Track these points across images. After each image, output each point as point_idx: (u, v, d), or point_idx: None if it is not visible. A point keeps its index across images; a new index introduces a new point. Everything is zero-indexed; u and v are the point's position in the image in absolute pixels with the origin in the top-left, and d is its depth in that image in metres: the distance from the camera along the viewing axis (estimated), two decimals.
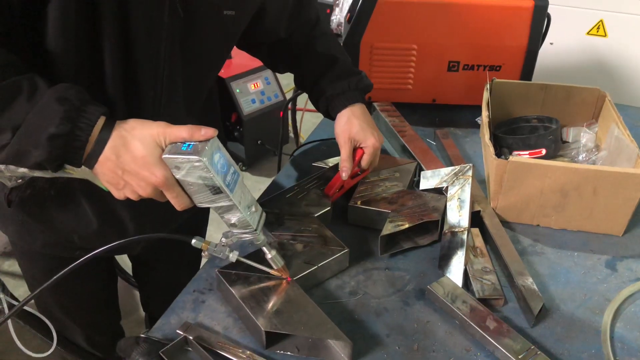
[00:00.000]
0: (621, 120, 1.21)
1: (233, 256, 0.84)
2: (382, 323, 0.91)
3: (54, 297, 1.21)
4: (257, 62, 2.94)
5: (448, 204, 1.09)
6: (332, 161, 1.26)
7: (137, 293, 1.58)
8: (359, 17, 1.38)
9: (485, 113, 1.25)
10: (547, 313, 0.93)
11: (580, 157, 1.27)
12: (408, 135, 1.35)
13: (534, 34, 1.39)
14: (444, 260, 1.01)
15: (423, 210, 1.08)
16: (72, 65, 0.79)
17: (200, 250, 0.83)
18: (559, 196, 1.09)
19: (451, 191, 1.11)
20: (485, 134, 1.18)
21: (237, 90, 2.82)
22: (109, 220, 0.98)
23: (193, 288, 0.97)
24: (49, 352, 0.95)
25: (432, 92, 1.51)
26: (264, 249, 0.87)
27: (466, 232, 1.03)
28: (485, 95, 1.32)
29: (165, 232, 0.84)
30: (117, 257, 1.77)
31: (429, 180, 1.17)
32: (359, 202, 1.11)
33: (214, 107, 1.14)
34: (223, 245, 0.84)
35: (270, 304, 0.87)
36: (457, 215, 1.06)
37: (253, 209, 0.83)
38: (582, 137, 1.30)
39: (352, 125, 1.08)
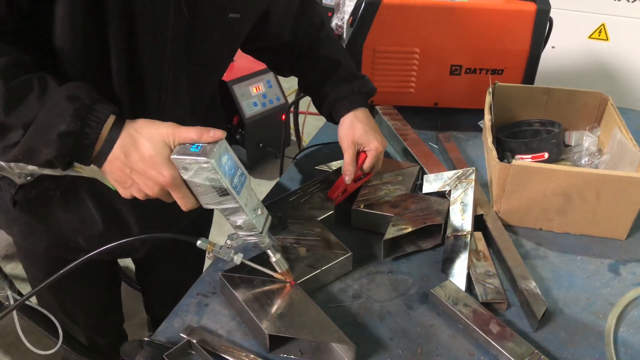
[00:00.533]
0: (624, 124, 1.21)
1: (238, 258, 0.84)
2: (386, 327, 0.91)
3: (57, 299, 1.21)
4: (259, 65, 2.95)
5: (451, 207, 1.10)
6: (335, 164, 1.26)
7: (140, 295, 1.58)
8: (361, 21, 1.38)
9: (487, 117, 1.25)
10: (550, 317, 0.93)
11: (582, 161, 1.27)
12: (410, 138, 1.36)
13: (536, 37, 1.39)
14: (447, 264, 1.01)
15: (426, 213, 1.08)
16: (78, 65, 0.79)
17: (203, 253, 0.84)
18: (562, 200, 1.09)
19: (454, 195, 1.11)
20: (488, 137, 1.18)
21: (239, 94, 2.83)
22: (113, 222, 0.99)
23: (196, 291, 0.97)
24: (55, 349, 0.96)
25: (435, 95, 1.51)
26: (269, 251, 0.87)
27: (469, 236, 1.03)
28: (488, 98, 1.32)
29: (170, 233, 0.84)
30: (120, 260, 1.77)
31: (431, 183, 1.17)
32: (362, 206, 1.11)
33: (218, 110, 1.15)
34: (228, 247, 0.84)
35: (274, 308, 0.87)
36: (460, 218, 1.07)
37: (259, 212, 0.83)
38: (585, 140, 1.30)
39: (355, 129, 1.08)
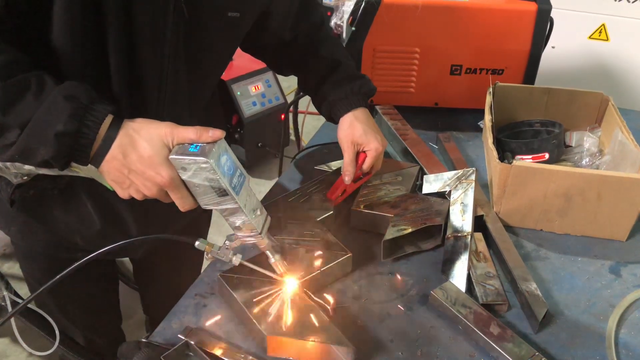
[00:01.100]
0: (625, 124, 1.20)
1: (236, 259, 0.84)
2: (386, 328, 0.90)
3: (55, 299, 1.20)
4: (258, 65, 2.94)
5: (451, 208, 1.09)
6: (334, 165, 1.25)
7: (138, 295, 1.57)
8: (361, 20, 1.38)
9: (488, 117, 1.25)
10: (551, 319, 0.93)
11: (583, 162, 1.26)
12: (410, 138, 1.35)
13: (536, 37, 1.39)
14: (447, 265, 1.01)
15: (426, 214, 1.07)
16: (77, 63, 0.79)
17: (201, 253, 0.83)
18: (563, 201, 1.08)
19: (454, 195, 1.11)
20: (489, 137, 1.18)
21: (238, 93, 2.82)
22: (111, 222, 0.98)
23: (195, 292, 0.96)
24: (52, 350, 0.95)
25: (435, 95, 1.51)
26: (268, 253, 0.87)
27: (469, 237, 1.02)
28: (488, 99, 1.31)
29: (169, 233, 0.84)
30: (118, 260, 1.76)
31: (431, 184, 1.17)
32: (361, 206, 1.10)
33: (217, 109, 1.14)
34: (226, 248, 0.83)
35: (273, 309, 0.87)
36: (460, 219, 1.06)
37: (258, 212, 0.82)
38: (586, 141, 1.30)
39: (355, 129, 1.07)
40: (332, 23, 1.58)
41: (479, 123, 1.44)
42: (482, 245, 1.06)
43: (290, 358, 0.84)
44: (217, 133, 0.74)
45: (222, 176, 0.73)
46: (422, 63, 1.44)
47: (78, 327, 1.29)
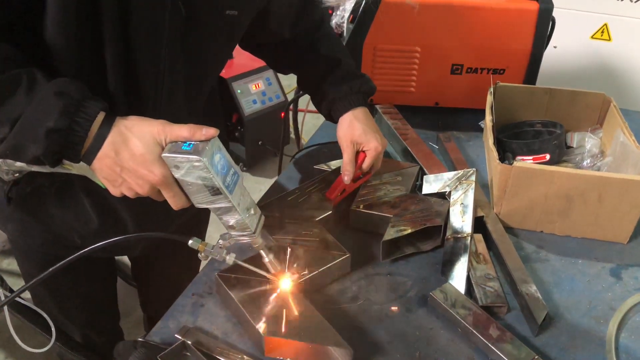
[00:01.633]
0: (626, 125, 1.20)
1: (230, 258, 0.83)
2: (384, 330, 0.89)
3: (52, 297, 1.20)
4: (259, 63, 2.93)
5: (451, 209, 1.08)
6: (334, 164, 1.24)
7: (136, 293, 1.57)
8: (361, 19, 1.37)
9: (488, 117, 1.24)
10: (551, 322, 0.92)
11: (584, 163, 1.25)
12: (410, 138, 1.34)
13: (538, 37, 1.38)
14: (446, 267, 1.00)
15: (425, 215, 1.07)
16: (73, 61, 0.78)
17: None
18: (564, 202, 1.07)
19: (454, 196, 1.10)
20: (489, 138, 1.17)
21: (239, 91, 2.81)
22: (109, 220, 0.97)
23: (192, 291, 0.95)
24: (48, 347, 0.94)
25: (435, 95, 1.50)
26: (262, 252, 0.86)
27: (469, 238, 1.02)
28: (489, 98, 1.30)
29: (166, 232, 0.83)
30: (117, 258, 1.76)
31: (431, 184, 1.16)
32: (361, 206, 1.09)
33: (216, 107, 1.13)
34: (220, 247, 0.82)
35: (270, 309, 0.86)
36: (460, 220, 1.05)
37: (252, 212, 0.81)
38: (587, 142, 1.29)
39: (354, 129, 1.07)
40: (333, 22, 1.57)
41: (479, 123, 1.43)
42: (482, 247, 1.05)
43: (288, 359, 0.83)
44: (210, 131, 0.74)
45: (215, 175, 0.73)
46: (422, 62, 1.43)
47: (76, 325, 1.28)
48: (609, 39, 1.68)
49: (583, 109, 1.35)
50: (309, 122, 2.74)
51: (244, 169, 3.04)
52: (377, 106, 1.47)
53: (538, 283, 0.98)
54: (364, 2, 1.35)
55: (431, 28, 1.38)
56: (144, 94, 0.85)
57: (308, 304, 0.87)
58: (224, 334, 0.87)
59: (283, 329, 0.83)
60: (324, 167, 1.25)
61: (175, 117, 0.78)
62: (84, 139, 0.72)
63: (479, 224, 1.09)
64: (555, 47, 1.68)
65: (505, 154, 1.27)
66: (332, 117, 1.13)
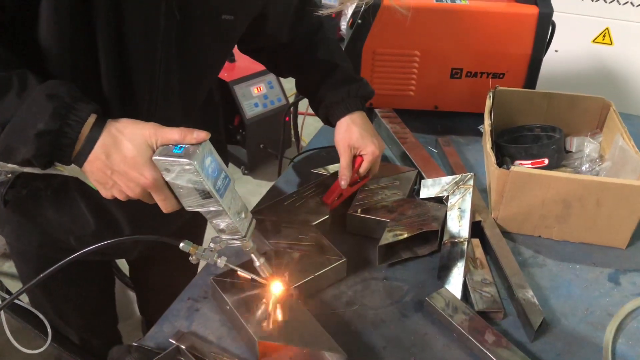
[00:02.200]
0: (626, 130, 1.19)
1: (221, 262, 0.83)
2: (379, 335, 0.89)
3: (50, 300, 1.20)
4: (260, 66, 2.90)
5: (448, 213, 1.08)
6: (332, 168, 1.24)
7: (134, 297, 1.57)
8: (361, 23, 1.37)
9: (487, 121, 1.23)
10: (547, 327, 0.91)
11: (583, 168, 1.25)
12: (409, 142, 1.34)
13: (538, 41, 1.37)
14: (443, 271, 1.00)
15: (423, 219, 1.06)
16: (67, 64, 0.78)
17: None
18: (562, 207, 1.07)
19: (452, 200, 1.09)
20: (487, 142, 1.17)
21: (240, 94, 2.82)
22: (105, 223, 0.97)
23: (187, 296, 0.95)
24: (44, 347, 0.94)
25: (434, 99, 1.50)
26: (253, 256, 0.86)
27: (466, 243, 1.01)
28: (488, 103, 1.30)
29: (163, 235, 0.83)
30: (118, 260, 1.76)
31: (429, 189, 1.16)
32: (358, 211, 1.09)
33: (214, 110, 1.13)
34: (211, 251, 0.82)
35: (265, 314, 0.86)
36: (458, 225, 1.05)
37: (243, 215, 0.81)
38: (586, 147, 1.28)
39: (351, 133, 1.07)
40: (342, 25, 1.56)
41: (479, 127, 1.43)
42: (479, 252, 1.05)
43: None
44: (201, 135, 0.73)
45: (205, 178, 0.73)
46: (422, 66, 1.43)
47: (73, 328, 1.28)
48: (611, 43, 1.67)
49: (582, 114, 1.35)
50: (311, 125, 2.74)
51: (245, 172, 3.04)
52: (376, 110, 1.47)
53: (535, 288, 0.98)
54: (363, 6, 1.35)
55: (431, 32, 1.38)
56: (139, 97, 0.85)
57: (303, 309, 0.87)
58: (219, 339, 0.87)
59: (277, 334, 0.83)
60: (321, 171, 1.25)
61: (170, 120, 0.78)
62: (74, 141, 0.72)
63: (476, 229, 1.09)
64: (556, 51, 1.67)
65: (504, 158, 1.27)
66: (330, 121, 1.13)
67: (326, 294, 0.96)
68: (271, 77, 2.94)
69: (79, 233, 0.98)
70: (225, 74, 2.79)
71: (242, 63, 2.84)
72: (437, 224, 1.05)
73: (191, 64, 0.89)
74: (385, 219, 1.07)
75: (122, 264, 1.98)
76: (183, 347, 0.83)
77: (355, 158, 1.09)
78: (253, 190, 2.90)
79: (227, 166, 0.89)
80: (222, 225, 0.79)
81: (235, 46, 1.09)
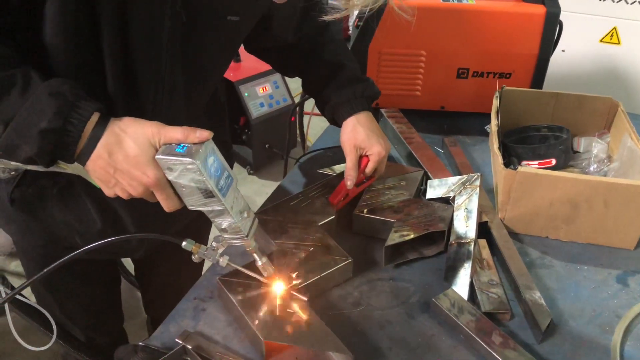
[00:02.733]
0: (634, 130, 1.18)
1: (223, 261, 0.83)
2: (385, 336, 0.89)
3: (54, 298, 1.20)
4: (266, 66, 2.90)
5: (455, 214, 1.07)
6: (338, 168, 1.24)
7: (140, 296, 1.57)
8: (367, 23, 1.37)
9: (494, 121, 1.23)
10: (555, 329, 0.91)
11: (591, 168, 1.24)
12: (415, 142, 1.34)
13: (545, 41, 1.37)
14: (449, 272, 0.99)
15: (429, 220, 1.06)
16: (72, 64, 0.78)
17: None
18: (569, 208, 1.06)
19: (458, 201, 1.09)
20: (494, 142, 1.16)
21: (246, 94, 2.82)
22: (111, 222, 0.98)
23: (194, 295, 0.95)
24: (49, 344, 0.95)
25: (441, 99, 1.49)
26: (255, 255, 0.86)
27: (473, 244, 1.01)
28: (495, 103, 1.29)
29: (169, 234, 0.83)
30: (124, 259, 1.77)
31: (435, 189, 1.15)
32: (364, 211, 1.09)
33: (219, 110, 1.13)
34: (213, 250, 0.82)
35: (271, 314, 0.86)
36: (464, 225, 1.04)
37: (245, 215, 0.81)
38: (594, 147, 1.28)
39: (357, 133, 1.06)
40: (348, 25, 1.55)
41: (485, 127, 1.42)
42: (485, 253, 1.04)
43: None
44: (204, 134, 0.73)
45: (208, 178, 0.73)
46: (428, 66, 1.42)
47: (79, 327, 1.29)
48: (619, 43, 1.66)
49: (590, 114, 1.34)
50: (317, 125, 2.74)
51: (251, 172, 3.05)
52: (383, 110, 1.47)
53: (542, 289, 0.97)
54: (367, 11, 1.34)
55: (437, 32, 1.37)
56: (144, 97, 0.85)
57: (309, 309, 0.87)
58: (225, 339, 0.87)
59: (283, 334, 0.82)
60: (327, 171, 1.25)
61: (176, 121, 0.78)
62: (77, 139, 0.72)
63: (483, 230, 1.08)
64: (563, 50, 1.66)
65: (511, 158, 1.26)
66: (336, 121, 1.13)
67: (332, 295, 0.96)
68: (277, 77, 2.94)
69: (85, 232, 0.98)
70: (230, 74, 2.79)
71: (248, 63, 2.84)
72: (443, 225, 1.04)
73: (196, 64, 0.89)
74: (391, 219, 1.06)
75: (128, 263, 1.98)
76: (189, 347, 0.83)
77: (362, 158, 1.09)
78: (258, 190, 2.90)
79: (232, 166, 0.89)
80: (225, 224, 0.79)
81: (241, 46, 1.09)
